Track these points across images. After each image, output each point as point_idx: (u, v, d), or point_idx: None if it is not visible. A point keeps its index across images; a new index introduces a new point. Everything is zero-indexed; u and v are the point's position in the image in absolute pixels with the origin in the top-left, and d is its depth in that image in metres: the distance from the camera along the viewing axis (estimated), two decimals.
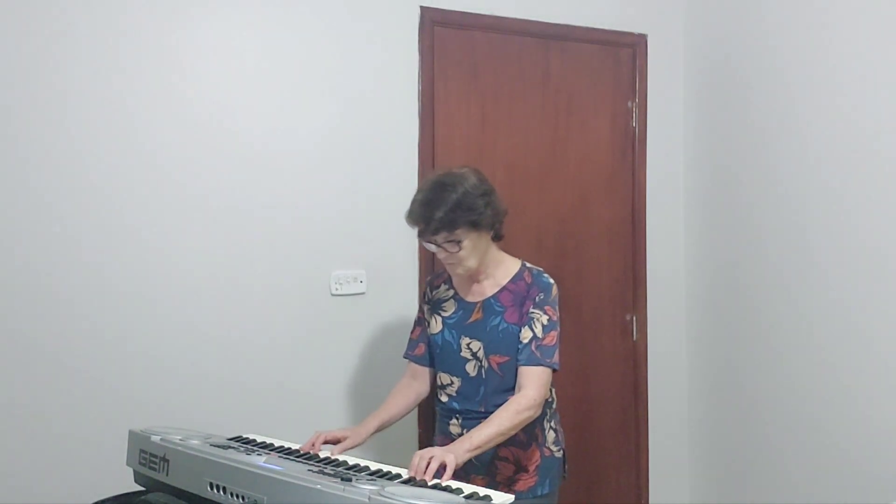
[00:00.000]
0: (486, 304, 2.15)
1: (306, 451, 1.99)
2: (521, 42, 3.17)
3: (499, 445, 2.05)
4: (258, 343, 2.73)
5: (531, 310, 2.10)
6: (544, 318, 2.09)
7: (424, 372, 2.30)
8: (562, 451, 2.24)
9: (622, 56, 3.38)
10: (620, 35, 3.36)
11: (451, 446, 1.90)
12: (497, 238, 2.18)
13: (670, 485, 3.50)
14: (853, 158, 2.73)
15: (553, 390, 2.23)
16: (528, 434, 2.13)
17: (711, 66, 3.36)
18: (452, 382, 2.18)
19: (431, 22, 3.00)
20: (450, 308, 2.21)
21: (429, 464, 1.77)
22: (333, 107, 2.84)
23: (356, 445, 2.10)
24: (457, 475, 1.97)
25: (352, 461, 1.88)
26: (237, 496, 1.58)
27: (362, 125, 2.89)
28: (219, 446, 1.80)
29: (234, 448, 1.81)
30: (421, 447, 2.68)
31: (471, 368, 2.14)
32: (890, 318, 2.61)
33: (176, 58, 2.61)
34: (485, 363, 2.12)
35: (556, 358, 2.07)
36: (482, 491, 1.65)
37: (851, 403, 2.74)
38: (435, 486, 1.69)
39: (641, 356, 3.44)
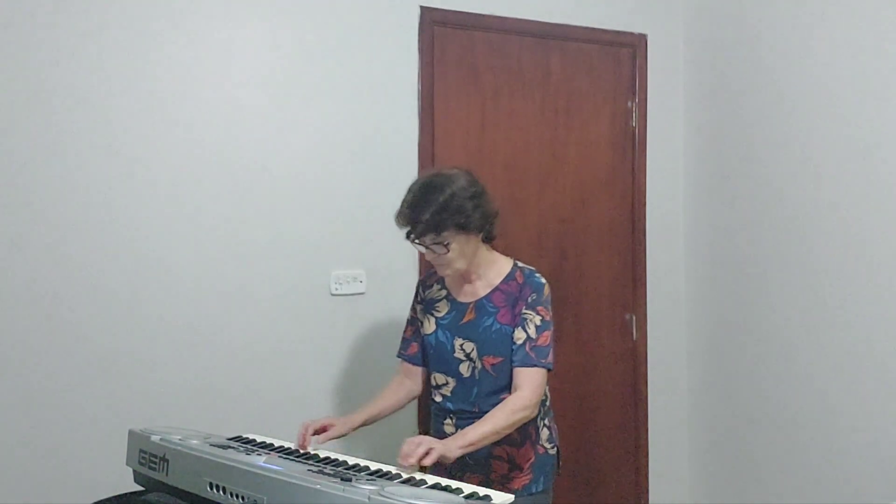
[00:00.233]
0: (479, 305, 2.15)
1: (300, 444, 2.02)
2: (521, 42, 3.17)
3: (493, 444, 2.07)
4: (258, 343, 2.73)
5: (524, 311, 2.10)
6: (537, 319, 2.09)
7: (417, 371, 2.30)
8: (556, 449, 2.25)
9: (622, 56, 3.38)
10: (620, 35, 3.36)
11: (446, 441, 1.91)
12: (489, 239, 2.18)
13: (670, 485, 3.50)
14: (852, 157, 2.73)
15: (546, 388, 2.24)
16: (522, 432, 2.14)
17: (711, 65, 3.36)
18: (447, 383, 2.18)
19: (431, 22, 3.00)
20: (443, 308, 2.21)
21: (416, 450, 1.80)
22: (333, 107, 2.84)
23: (342, 435, 2.12)
24: (452, 474, 1.98)
25: (352, 461, 1.88)
26: (237, 496, 1.58)
27: (362, 125, 2.89)
28: (218, 446, 1.80)
29: (233, 448, 1.81)
30: None
31: (464, 369, 2.15)
32: (890, 318, 2.61)
33: (176, 58, 2.61)
34: (478, 364, 2.12)
35: (550, 358, 2.07)
36: (482, 491, 1.65)
37: (851, 403, 2.74)
38: (435, 486, 1.69)
39: (641, 356, 3.44)
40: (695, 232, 3.47)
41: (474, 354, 2.13)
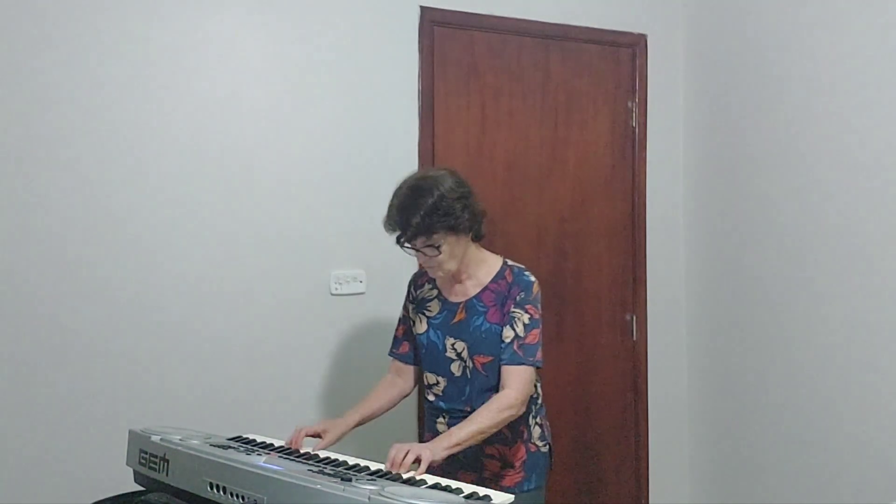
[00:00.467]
0: (469, 305, 2.16)
1: (291, 443, 2.02)
2: (521, 42, 3.17)
3: (485, 442, 2.07)
4: (258, 342, 2.73)
5: (512, 309, 2.10)
6: (525, 317, 2.09)
7: (409, 370, 2.31)
8: (548, 446, 2.25)
9: (622, 56, 3.38)
10: (620, 35, 3.36)
11: (432, 443, 1.92)
12: (477, 238, 2.18)
13: (670, 485, 3.50)
14: (853, 157, 2.73)
15: (538, 385, 2.24)
16: (514, 431, 2.14)
17: (711, 66, 3.36)
18: (438, 382, 2.19)
19: (431, 22, 3.00)
20: (434, 308, 2.22)
21: (405, 457, 1.80)
22: (333, 107, 2.84)
23: (337, 440, 2.11)
24: (445, 473, 1.98)
25: (352, 461, 1.88)
26: (237, 496, 1.58)
27: (362, 125, 2.89)
28: (218, 446, 1.80)
29: (233, 448, 1.81)
30: None
31: (456, 368, 2.15)
32: (890, 318, 2.61)
33: (176, 58, 2.61)
34: (469, 363, 2.13)
35: (538, 356, 2.08)
36: (482, 491, 1.65)
37: (851, 403, 2.74)
38: (435, 486, 1.69)
39: (641, 356, 3.44)
40: (695, 232, 3.46)
41: (465, 354, 2.14)
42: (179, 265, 2.62)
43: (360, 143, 2.88)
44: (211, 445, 1.79)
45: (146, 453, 1.82)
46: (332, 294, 2.84)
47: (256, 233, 2.73)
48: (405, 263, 2.91)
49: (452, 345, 2.16)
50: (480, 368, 2.12)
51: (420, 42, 2.98)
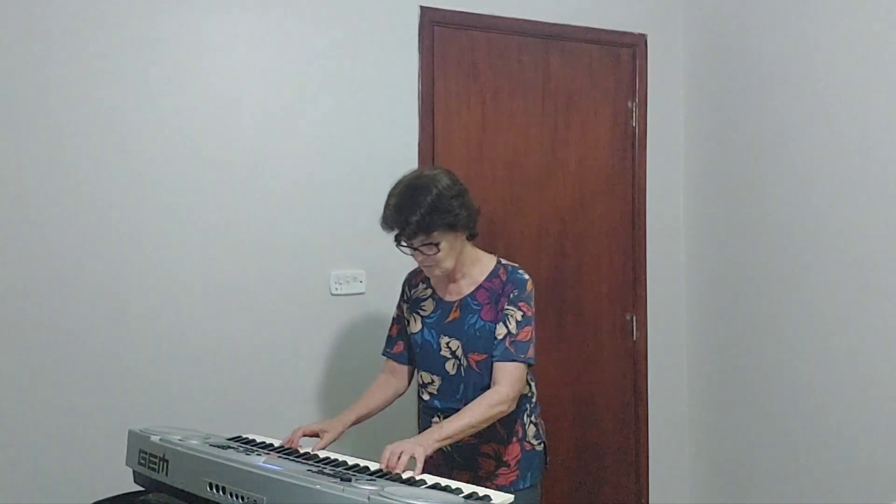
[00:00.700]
0: (464, 303, 2.16)
1: (288, 442, 2.03)
2: (520, 42, 3.17)
3: (480, 441, 2.09)
4: (258, 342, 2.73)
5: (506, 306, 2.11)
6: (518, 315, 2.10)
7: (403, 369, 2.32)
8: (542, 445, 2.25)
9: (622, 56, 3.38)
10: (620, 35, 3.36)
11: (421, 437, 1.93)
12: (472, 237, 2.19)
13: (670, 485, 3.50)
14: (854, 156, 2.73)
15: (533, 384, 2.25)
16: (508, 429, 2.15)
17: (711, 65, 3.36)
18: (433, 381, 2.19)
19: (431, 22, 3.00)
20: (429, 307, 2.22)
21: (399, 458, 1.81)
22: (333, 106, 2.84)
23: (334, 440, 2.12)
24: (440, 471, 1.98)
25: (352, 461, 1.88)
26: (236, 496, 1.58)
27: (362, 125, 2.89)
28: (218, 446, 1.80)
29: (233, 448, 1.82)
30: None
31: (450, 367, 2.16)
32: (890, 318, 2.61)
33: (176, 58, 2.61)
34: (464, 362, 2.14)
35: (530, 353, 2.08)
36: (482, 491, 1.65)
37: (851, 403, 2.74)
38: (434, 486, 1.69)
39: (641, 355, 3.44)
40: (695, 232, 3.46)
41: (460, 352, 2.14)
42: (179, 265, 2.62)
43: (361, 144, 2.88)
44: (210, 445, 1.79)
45: (146, 453, 1.82)
46: (332, 294, 2.84)
47: (256, 233, 2.73)
48: (405, 263, 2.91)
49: (447, 343, 2.16)
50: (475, 366, 2.12)
51: (420, 42, 2.98)
